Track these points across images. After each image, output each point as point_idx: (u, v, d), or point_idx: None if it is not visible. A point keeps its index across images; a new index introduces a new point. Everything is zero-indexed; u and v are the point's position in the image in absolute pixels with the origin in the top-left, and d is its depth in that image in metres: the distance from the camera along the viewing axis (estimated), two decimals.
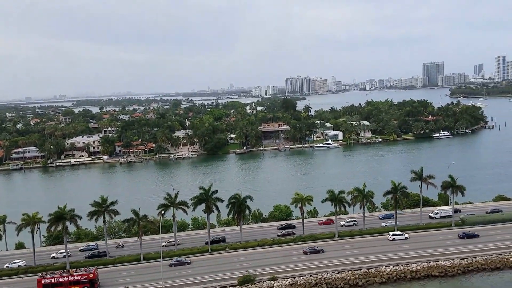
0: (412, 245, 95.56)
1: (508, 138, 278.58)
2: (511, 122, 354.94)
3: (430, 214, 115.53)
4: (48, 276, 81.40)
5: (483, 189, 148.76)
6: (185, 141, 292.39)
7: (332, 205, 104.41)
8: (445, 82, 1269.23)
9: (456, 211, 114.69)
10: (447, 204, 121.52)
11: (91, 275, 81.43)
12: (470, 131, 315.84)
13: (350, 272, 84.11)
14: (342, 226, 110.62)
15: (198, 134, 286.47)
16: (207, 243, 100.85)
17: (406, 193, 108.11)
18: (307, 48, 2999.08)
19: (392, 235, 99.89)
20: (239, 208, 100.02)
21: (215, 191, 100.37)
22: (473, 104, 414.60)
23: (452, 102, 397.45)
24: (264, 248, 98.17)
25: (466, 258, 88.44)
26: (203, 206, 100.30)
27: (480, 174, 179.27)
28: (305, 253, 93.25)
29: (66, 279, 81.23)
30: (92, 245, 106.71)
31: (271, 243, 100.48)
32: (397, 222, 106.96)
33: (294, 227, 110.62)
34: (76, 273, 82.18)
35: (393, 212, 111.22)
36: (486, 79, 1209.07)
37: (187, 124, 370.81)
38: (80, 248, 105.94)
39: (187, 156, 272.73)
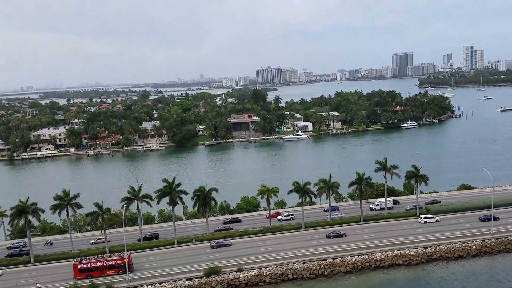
0: (378, 234, 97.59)
1: (474, 127, 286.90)
2: (478, 111, 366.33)
3: (371, 206, 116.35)
4: (84, 261, 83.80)
5: (448, 178, 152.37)
6: (152, 133, 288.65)
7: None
8: (415, 72, 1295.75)
9: (395, 202, 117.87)
10: (412, 194, 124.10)
11: (126, 260, 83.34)
12: (437, 121, 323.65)
13: (315, 262, 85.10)
14: (279, 220, 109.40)
15: (166, 126, 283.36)
16: (139, 240, 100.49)
17: (370, 183, 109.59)
18: (278, 39, 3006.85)
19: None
20: (204, 200, 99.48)
21: (179, 184, 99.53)
22: (441, 94, 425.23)
23: (420, 93, 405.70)
24: (231, 240, 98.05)
25: (430, 247, 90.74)
26: (168, 199, 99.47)
27: (446, 163, 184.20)
28: None
29: (101, 263, 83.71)
30: (20, 243, 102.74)
31: (238, 234, 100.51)
32: (343, 214, 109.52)
33: (239, 220, 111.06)
34: (111, 258, 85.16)
35: (337, 204, 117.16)
36: (454, 68, 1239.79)
37: (155, 115, 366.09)
38: (7, 246, 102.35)
39: (155, 148, 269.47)
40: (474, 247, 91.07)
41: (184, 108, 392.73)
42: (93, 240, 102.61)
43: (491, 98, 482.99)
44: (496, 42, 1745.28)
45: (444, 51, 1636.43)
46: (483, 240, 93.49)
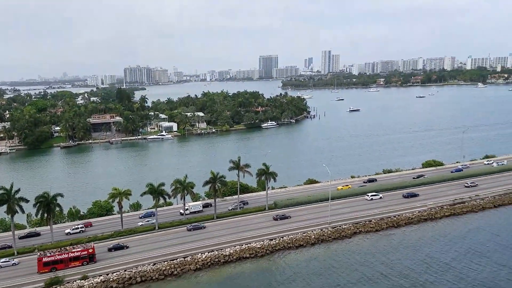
0: (229, 230, 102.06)
1: (326, 127, 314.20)
2: (330, 111, 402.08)
3: (181, 211, 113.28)
4: (48, 255, 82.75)
5: (298, 174, 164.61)
6: (1, 135, 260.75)
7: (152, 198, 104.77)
8: (279, 75, 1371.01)
9: (207, 205, 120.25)
10: (264, 190, 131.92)
11: (90, 250, 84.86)
12: (294, 121, 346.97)
13: (166, 262, 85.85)
14: (67, 234, 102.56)
15: (17, 127, 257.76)
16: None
17: (224, 182, 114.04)
18: (148, 38, 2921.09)
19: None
20: (47, 207, 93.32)
21: (18, 190, 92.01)
22: (298, 95, 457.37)
23: (281, 94, 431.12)
24: None
25: (274, 239, 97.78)
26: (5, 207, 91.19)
27: (297, 160, 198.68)
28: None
29: (66, 255, 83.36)
30: None
31: (86, 241, 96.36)
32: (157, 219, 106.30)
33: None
34: (76, 249, 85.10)
35: (153, 210, 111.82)
36: (314, 72, 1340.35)
37: (7, 116, 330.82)
38: None
39: (4, 152, 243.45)
40: (313, 236, 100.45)
41: (39, 108, 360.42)
42: None
43: (342, 99, 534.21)
44: (351, 47, 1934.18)
45: (306, 55, 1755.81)
46: (321, 230, 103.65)
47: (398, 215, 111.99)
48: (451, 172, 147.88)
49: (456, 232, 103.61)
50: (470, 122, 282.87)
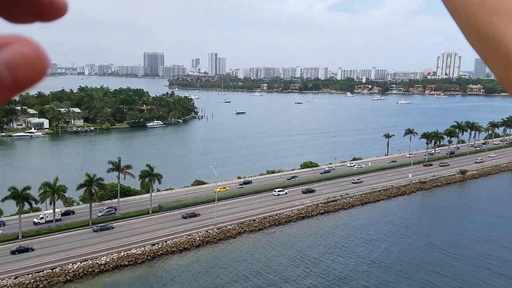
0: (106, 237, 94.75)
1: (214, 128, 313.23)
2: (218, 113, 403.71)
3: (35, 220, 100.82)
4: None
5: (185, 175, 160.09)
6: None
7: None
8: (166, 73, 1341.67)
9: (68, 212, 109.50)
10: (148, 192, 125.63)
11: None
12: (182, 121, 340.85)
13: (30, 275, 76.22)
14: None
15: None
16: None
17: (102, 184, 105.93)
18: None
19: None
20: None
21: None
22: (186, 95, 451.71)
23: (167, 93, 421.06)
24: None
25: (157, 244, 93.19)
26: None
27: (185, 161, 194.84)
28: None
29: None
30: None
31: None
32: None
33: None
34: None
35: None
36: (201, 73, 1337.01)
37: None
38: None
39: None
40: (198, 239, 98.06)
41: None
42: None
43: (229, 102, 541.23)
44: (238, 52, 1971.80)
45: (194, 55, 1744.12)
46: (207, 231, 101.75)
47: (280, 214, 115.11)
48: (320, 173, 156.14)
49: (327, 228, 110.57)
50: (340, 127, 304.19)
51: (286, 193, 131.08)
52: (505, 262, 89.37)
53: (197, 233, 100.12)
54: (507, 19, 1.04)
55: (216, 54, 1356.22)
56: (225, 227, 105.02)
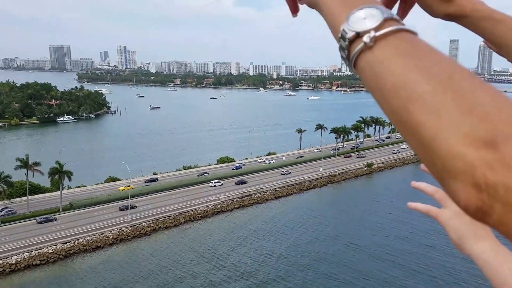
0: (16, 236, 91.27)
1: (128, 123, 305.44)
2: (131, 108, 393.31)
3: None
4: None
5: (99, 171, 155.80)
6: None
7: None
8: (74, 67, 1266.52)
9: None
10: (58, 190, 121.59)
11: None
12: (94, 116, 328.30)
13: None
14: None
15: None
16: None
17: (10, 182, 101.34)
18: None
19: None
20: None
21: None
22: (97, 90, 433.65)
23: (76, 87, 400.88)
24: None
25: (69, 242, 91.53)
26: None
27: (99, 157, 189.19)
28: None
29: None
30: None
31: None
32: None
33: None
34: None
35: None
36: (111, 66, 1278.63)
37: None
38: None
39: None
40: (111, 236, 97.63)
41: None
42: None
43: (143, 96, 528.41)
44: (148, 45, 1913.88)
45: (102, 48, 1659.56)
46: (120, 229, 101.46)
47: (195, 209, 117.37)
48: (232, 169, 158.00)
49: (240, 222, 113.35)
50: (256, 123, 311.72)
51: (222, 184, 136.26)
52: (406, 253, 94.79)
53: (111, 231, 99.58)
54: (419, 106, 1.00)
55: (125, 47, 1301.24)
56: (140, 224, 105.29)
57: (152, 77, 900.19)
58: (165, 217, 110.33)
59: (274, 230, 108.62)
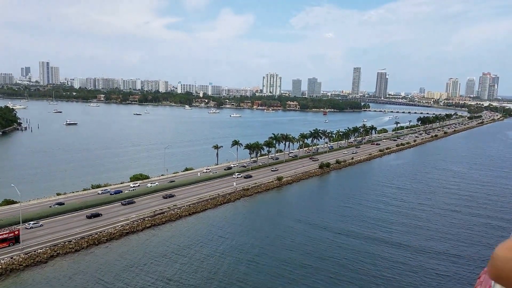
0: None
1: (38, 140, 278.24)
2: (46, 124, 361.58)
3: None
4: None
5: None
6: None
7: None
8: None
9: None
10: None
11: (16, 232, 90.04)
12: (1, 133, 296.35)
13: None
14: None
15: None
16: None
17: None
18: None
19: None
20: None
21: None
22: (7, 105, 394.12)
23: None
24: None
25: None
26: None
27: (3, 177, 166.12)
28: None
29: None
30: None
31: None
32: None
33: None
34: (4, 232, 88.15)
35: None
36: (32, 82, 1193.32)
37: None
38: None
39: None
40: (0, 267, 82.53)
41: None
42: None
43: (61, 112, 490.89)
44: (72, 61, 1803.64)
45: (23, 63, 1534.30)
46: (11, 258, 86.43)
47: (100, 232, 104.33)
48: (110, 194, 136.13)
49: (150, 244, 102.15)
50: (175, 139, 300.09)
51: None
52: (302, 267, 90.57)
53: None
54: None
55: (48, 63, 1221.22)
56: (35, 251, 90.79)
57: (74, 93, 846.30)
58: (65, 242, 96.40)
59: (182, 249, 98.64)
